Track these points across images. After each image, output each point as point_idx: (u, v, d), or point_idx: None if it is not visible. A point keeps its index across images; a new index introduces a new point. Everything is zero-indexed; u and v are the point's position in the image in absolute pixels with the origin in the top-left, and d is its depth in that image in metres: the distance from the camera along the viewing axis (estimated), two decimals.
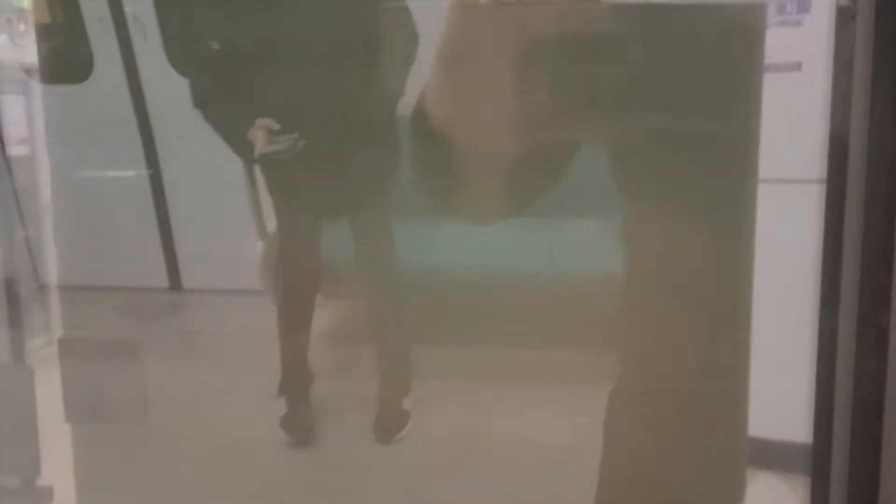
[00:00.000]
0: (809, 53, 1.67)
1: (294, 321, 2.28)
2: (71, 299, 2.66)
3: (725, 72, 0.66)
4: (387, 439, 2.21)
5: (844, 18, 0.67)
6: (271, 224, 2.44)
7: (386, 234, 2.25)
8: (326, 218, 2.29)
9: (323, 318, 2.42)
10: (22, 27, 2.61)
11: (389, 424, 2.23)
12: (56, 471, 1.73)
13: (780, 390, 1.06)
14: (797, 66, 1.73)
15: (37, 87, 2.58)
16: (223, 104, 2.13)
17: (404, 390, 2.30)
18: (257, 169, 2.36)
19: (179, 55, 2.89)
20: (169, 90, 2.82)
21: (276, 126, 2.05)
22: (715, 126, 0.67)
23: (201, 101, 2.15)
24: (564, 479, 1.84)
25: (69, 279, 2.73)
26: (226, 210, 2.69)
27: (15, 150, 2.39)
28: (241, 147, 2.15)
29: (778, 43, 1.70)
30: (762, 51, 0.70)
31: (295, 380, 2.29)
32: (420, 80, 0.64)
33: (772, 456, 1.41)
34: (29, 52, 2.57)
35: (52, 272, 2.59)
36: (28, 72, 2.56)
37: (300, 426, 2.24)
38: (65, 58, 3.13)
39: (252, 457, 2.10)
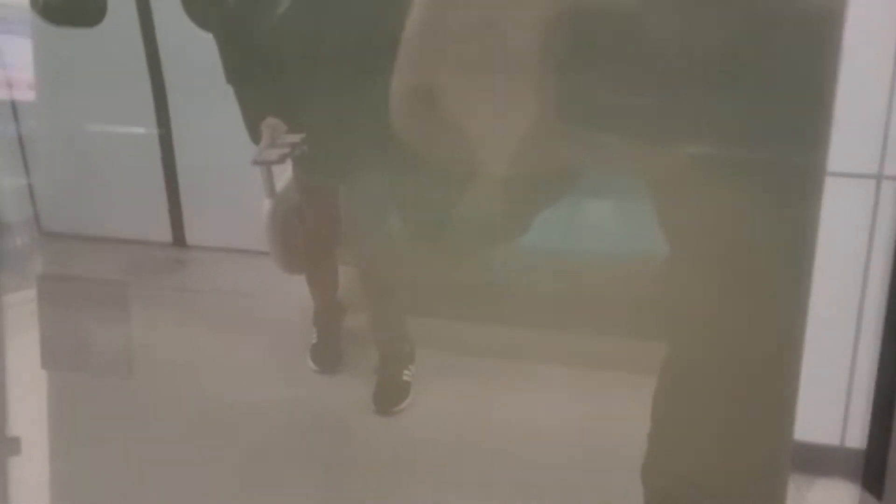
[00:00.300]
0: (850, 39, 1.61)
1: (316, 273, 2.37)
2: (70, 249, 2.62)
3: (799, 56, 0.62)
4: (386, 411, 2.18)
5: None
6: (279, 182, 2.40)
7: (381, 201, 2.22)
8: (342, 177, 2.26)
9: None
10: None
11: (389, 396, 2.20)
12: (33, 424, 1.69)
13: (833, 394, 1.02)
14: None
15: (47, 31, 2.51)
16: (250, 83, 2.11)
17: (405, 362, 2.27)
18: None
19: (196, 6, 2.82)
20: (184, 40, 2.76)
21: (284, 129, 2.05)
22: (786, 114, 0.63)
23: (232, 76, 2.12)
24: (564, 457, 1.83)
25: (70, 228, 2.69)
26: (234, 166, 2.63)
27: (24, 94, 2.33)
28: (254, 135, 2.14)
29: None
30: (840, 33, 0.66)
31: (325, 313, 2.39)
32: None
33: (819, 461, 1.37)
34: None
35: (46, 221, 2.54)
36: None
37: (326, 356, 2.33)
38: None
39: (242, 420, 2.07)
